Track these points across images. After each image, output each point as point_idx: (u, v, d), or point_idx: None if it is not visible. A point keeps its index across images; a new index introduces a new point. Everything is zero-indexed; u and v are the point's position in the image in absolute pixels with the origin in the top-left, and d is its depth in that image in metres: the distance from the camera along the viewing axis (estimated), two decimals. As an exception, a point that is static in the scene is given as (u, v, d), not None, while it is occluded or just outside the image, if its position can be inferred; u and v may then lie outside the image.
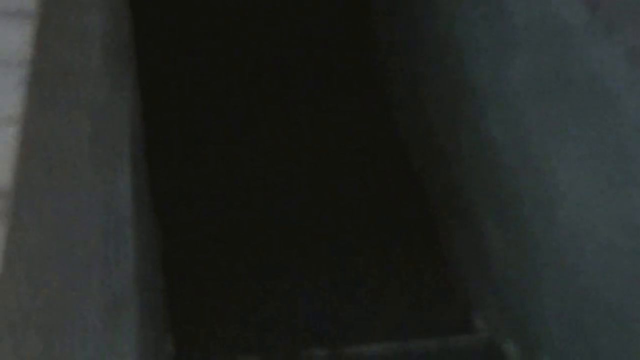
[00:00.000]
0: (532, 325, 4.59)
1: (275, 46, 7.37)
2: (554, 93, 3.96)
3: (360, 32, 7.47)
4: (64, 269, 1.91)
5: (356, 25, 7.42)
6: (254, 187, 6.72)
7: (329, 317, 5.71)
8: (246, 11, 7.45)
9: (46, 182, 1.74)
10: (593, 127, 3.61)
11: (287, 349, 5.30)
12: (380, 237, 6.32)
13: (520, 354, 4.79)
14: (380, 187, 6.60)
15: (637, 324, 3.44)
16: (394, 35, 6.96)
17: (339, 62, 7.37)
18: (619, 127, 3.41)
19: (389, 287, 6.02)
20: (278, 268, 6.24)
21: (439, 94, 5.82)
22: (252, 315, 5.88)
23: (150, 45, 6.87)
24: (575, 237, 3.87)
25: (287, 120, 7.07)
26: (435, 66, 5.87)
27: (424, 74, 6.16)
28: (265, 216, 6.52)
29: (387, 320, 5.58)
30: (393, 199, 6.53)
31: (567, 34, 3.84)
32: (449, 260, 6.03)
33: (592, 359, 3.88)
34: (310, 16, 7.39)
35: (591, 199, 3.69)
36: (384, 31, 7.20)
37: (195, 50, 7.36)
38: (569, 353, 4.15)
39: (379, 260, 6.20)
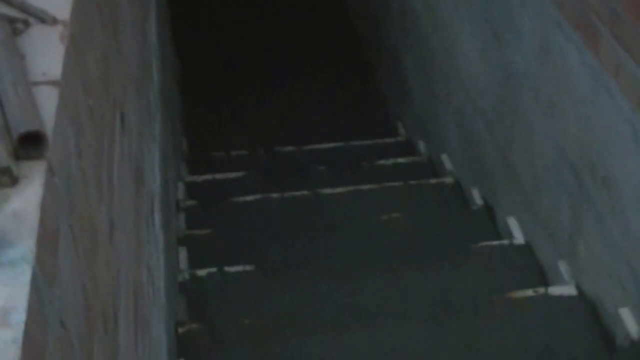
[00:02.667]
0: (436, 132, 4.77)
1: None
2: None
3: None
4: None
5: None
6: (253, 51, 6.76)
7: (294, 129, 5.83)
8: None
9: (97, 17, 1.73)
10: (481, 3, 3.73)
11: (266, 147, 5.38)
12: (331, 78, 6.49)
13: (427, 150, 4.94)
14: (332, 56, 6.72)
15: (502, 129, 3.60)
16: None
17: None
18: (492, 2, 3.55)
19: (336, 108, 6.19)
20: (264, 93, 6.38)
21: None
22: (242, 126, 6.02)
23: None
24: (469, 76, 4.00)
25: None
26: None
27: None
28: (259, 66, 6.60)
29: (334, 130, 5.70)
30: (341, 59, 6.66)
31: None
32: (380, 91, 6.20)
33: (475, 157, 4.04)
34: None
35: (476, 52, 3.83)
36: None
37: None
38: (461, 151, 4.32)
39: (329, 91, 6.38)
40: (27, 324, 0.77)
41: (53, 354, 0.88)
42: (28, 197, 0.86)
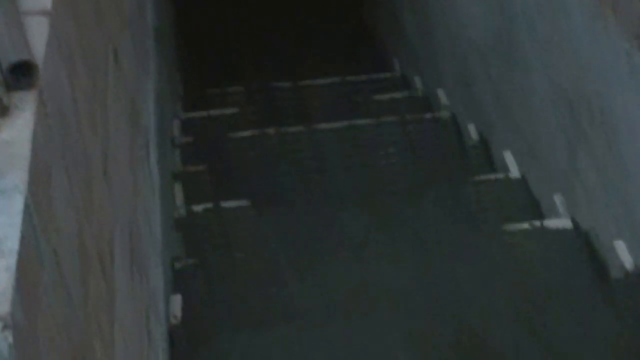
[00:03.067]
0: (431, 68, 4.76)
1: None
2: None
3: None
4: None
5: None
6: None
7: (289, 65, 5.80)
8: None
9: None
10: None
11: (261, 83, 5.36)
12: (327, 14, 6.41)
13: (423, 85, 4.93)
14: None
15: (498, 64, 3.59)
16: None
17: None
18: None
19: (332, 44, 6.14)
20: (259, 30, 6.33)
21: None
22: (237, 63, 5.98)
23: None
24: (465, 11, 3.98)
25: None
26: None
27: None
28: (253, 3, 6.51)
29: (330, 66, 5.66)
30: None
31: None
32: (376, 26, 6.14)
33: (471, 91, 4.04)
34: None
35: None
36: None
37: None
38: (457, 86, 4.31)
39: (325, 27, 6.33)
40: (20, 253, 0.77)
41: (47, 285, 0.88)
42: (19, 127, 0.85)
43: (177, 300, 2.77)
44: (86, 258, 1.12)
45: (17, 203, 0.80)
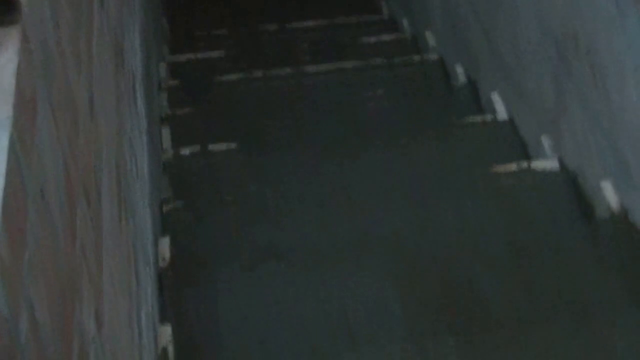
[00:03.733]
0: (419, 9, 4.74)
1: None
2: None
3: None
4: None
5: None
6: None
7: (277, 7, 5.73)
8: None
9: None
10: None
11: (248, 25, 5.32)
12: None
13: (411, 27, 4.91)
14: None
15: (486, 4, 3.57)
16: None
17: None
18: None
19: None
20: None
21: None
22: (224, 5, 5.92)
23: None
24: None
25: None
26: None
27: None
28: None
29: (317, 8, 5.60)
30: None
31: None
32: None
33: (459, 33, 4.01)
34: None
35: None
36: None
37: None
38: (444, 28, 4.28)
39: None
40: (5, 190, 0.77)
41: (33, 223, 0.88)
42: (3, 63, 0.85)
43: (165, 242, 2.79)
44: (72, 195, 1.13)
45: (2, 139, 0.79)
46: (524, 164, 3.14)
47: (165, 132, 3.69)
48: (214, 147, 3.47)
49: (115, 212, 1.62)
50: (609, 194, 2.74)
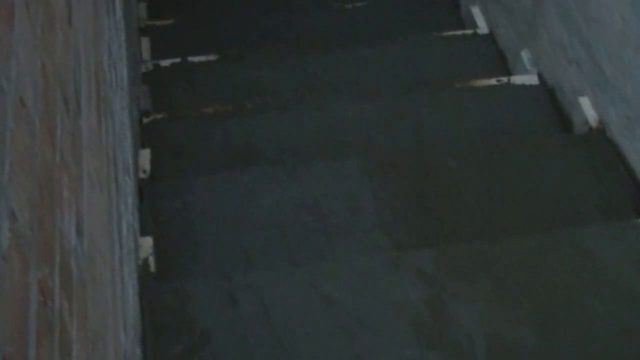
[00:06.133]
0: None
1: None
2: None
3: None
4: None
5: None
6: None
7: None
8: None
9: None
10: None
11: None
12: None
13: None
14: None
15: None
16: None
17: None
18: None
19: None
20: None
21: None
22: None
23: None
24: None
25: None
26: None
27: None
28: None
29: None
30: None
31: None
32: None
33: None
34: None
35: None
36: None
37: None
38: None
39: None
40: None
41: (13, 130, 0.87)
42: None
43: (145, 154, 2.77)
44: (51, 101, 1.11)
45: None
46: (504, 79, 3.13)
47: (145, 43, 3.65)
48: (194, 58, 3.43)
49: (94, 120, 1.60)
50: (587, 109, 2.74)
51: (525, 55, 3.17)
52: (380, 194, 2.52)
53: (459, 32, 3.59)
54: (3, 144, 0.81)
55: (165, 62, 3.42)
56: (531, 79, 3.10)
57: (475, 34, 3.55)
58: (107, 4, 2.18)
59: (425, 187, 2.55)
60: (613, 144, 2.62)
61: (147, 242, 2.32)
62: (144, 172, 2.71)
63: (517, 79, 3.13)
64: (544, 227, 2.43)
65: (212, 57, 3.43)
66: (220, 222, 2.44)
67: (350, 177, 2.57)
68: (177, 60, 3.43)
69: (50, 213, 1.02)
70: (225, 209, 2.48)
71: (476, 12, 3.62)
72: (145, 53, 3.61)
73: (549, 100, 3.00)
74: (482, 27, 3.57)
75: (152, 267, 2.28)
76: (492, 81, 3.13)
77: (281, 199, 2.50)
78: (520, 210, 2.50)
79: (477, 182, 2.58)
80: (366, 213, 2.46)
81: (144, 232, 2.40)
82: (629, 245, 2.26)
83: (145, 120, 3.04)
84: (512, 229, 2.44)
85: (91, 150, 1.48)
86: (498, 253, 2.24)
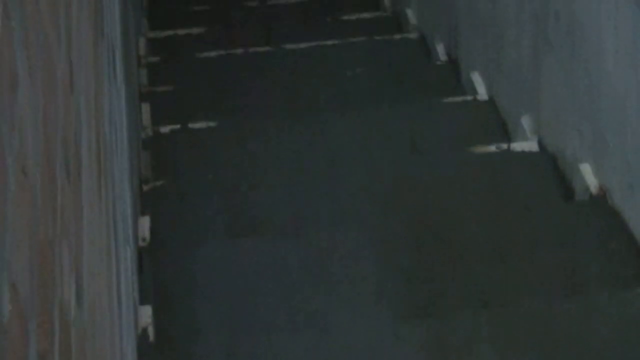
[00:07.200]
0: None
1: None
2: None
3: None
4: None
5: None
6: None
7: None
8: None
9: None
10: None
11: (228, 2, 5.27)
12: None
13: (392, 5, 4.89)
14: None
15: None
16: None
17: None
18: None
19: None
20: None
21: None
22: None
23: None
24: None
25: None
26: None
27: None
28: None
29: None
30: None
31: None
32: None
33: (440, 11, 4.00)
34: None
35: None
36: None
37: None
38: (425, 6, 4.27)
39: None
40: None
41: (15, 201, 0.86)
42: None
43: (145, 221, 2.77)
44: (54, 170, 1.11)
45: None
46: (504, 145, 3.14)
47: (145, 109, 3.66)
48: (194, 125, 3.45)
49: (94, 187, 1.60)
50: (588, 176, 2.74)
51: (525, 122, 3.18)
52: (383, 262, 2.51)
53: (459, 99, 3.61)
54: (5, 215, 0.80)
55: (165, 129, 3.44)
56: (531, 146, 3.11)
57: (475, 100, 3.57)
58: (108, 69, 2.20)
59: (429, 256, 2.54)
60: (615, 211, 2.62)
61: (147, 311, 2.30)
62: (143, 239, 2.70)
63: (517, 146, 3.13)
64: (547, 296, 2.42)
65: (212, 124, 3.45)
66: (221, 291, 2.43)
67: (353, 246, 2.56)
68: (177, 126, 3.44)
69: (51, 283, 1.01)
70: (226, 277, 2.47)
71: (476, 78, 3.64)
72: (145, 119, 3.62)
73: (550, 167, 3.00)
74: (482, 94, 3.59)
75: (151, 336, 2.26)
76: (492, 148, 3.14)
77: (283, 267, 2.49)
78: (524, 279, 2.48)
79: (481, 250, 2.57)
80: (369, 282, 2.45)
81: (143, 300, 2.38)
82: (633, 314, 2.24)
83: (145, 187, 3.03)
84: (516, 298, 2.43)
85: (91, 218, 1.48)
86: (502, 323, 2.22)
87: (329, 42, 4.26)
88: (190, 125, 3.44)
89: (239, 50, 4.19)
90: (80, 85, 1.50)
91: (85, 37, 1.65)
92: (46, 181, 1.07)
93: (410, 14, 4.51)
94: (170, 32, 4.65)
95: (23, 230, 0.88)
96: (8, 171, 0.85)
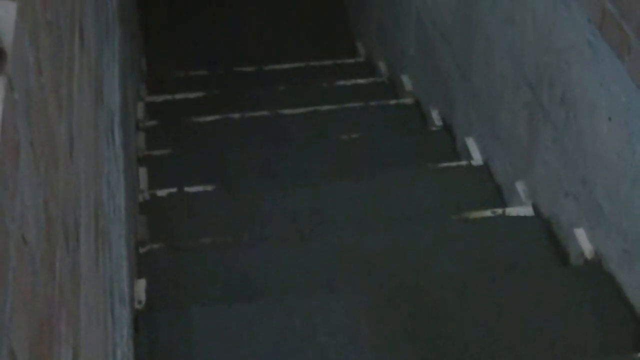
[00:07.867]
0: (396, 53, 4.77)
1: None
2: None
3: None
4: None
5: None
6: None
7: (254, 49, 5.79)
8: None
9: None
10: None
11: (226, 67, 5.36)
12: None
13: (387, 70, 4.95)
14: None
15: (461, 48, 3.61)
16: None
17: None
18: None
19: (296, 28, 6.11)
20: (221, 14, 6.29)
21: None
22: (201, 46, 5.95)
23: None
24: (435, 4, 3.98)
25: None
26: None
27: None
28: None
29: (293, 51, 5.66)
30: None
31: None
32: (341, 11, 6.12)
33: (435, 77, 4.05)
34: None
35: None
36: None
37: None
38: (420, 72, 4.32)
39: (288, 11, 6.30)
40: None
41: (16, 269, 0.88)
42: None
43: (141, 284, 2.78)
44: (53, 238, 1.13)
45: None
46: (499, 210, 3.17)
47: (142, 173, 3.69)
48: (191, 189, 3.47)
49: (92, 253, 1.62)
50: (583, 241, 2.76)
51: (520, 187, 3.21)
52: (377, 329, 2.52)
53: (454, 164, 3.64)
54: (5, 283, 0.82)
55: (162, 192, 3.46)
56: (526, 211, 3.13)
57: (470, 166, 3.60)
58: (107, 134, 2.23)
59: (423, 323, 2.54)
60: (610, 277, 2.63)
61: (141, 374, 2.30)
62: (140, 302, 2.71)
63: (512, 211, 3.16)
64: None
65: (208, 188, 3.47)
66: (217, 356, 2.43)
67: (348, 312, 2.57)
68: (174, 190, 3.47)
69: (49, 350, 1.02)
70: (222, 342, 2.47)
71: (471, 143, 3.68)
72: (143, 182, 3.65)
73: (545, 232, 3.02)
74: (477, 159, 3.63)
75: (146, 401, 2.26)
76: (487, 212, 3.16)
77: (279, 333, 2.49)
78: (519, 345, 2.49)
79: (475, 317, 2.58)
80: (363, 349, 2.45)
81: (138, 364, 2.38)
82: (629, 380, 2.24)
83: (141, 250, 3.05)
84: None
85: (89, 283, 1.49)
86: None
87: (325, 108, 4.31)
88: (187, 189, 3.47)
89: (236, 115, 4.23)
90: (80, 153, 1.53)
91: (85, 105, 1.68)
92: (46, 249, 1.09)
93: (406, 80, 4.56)
94: (168, 97, 4.70)
95: (23, 298, 0.90)
96: (9, 241, 0.87)
